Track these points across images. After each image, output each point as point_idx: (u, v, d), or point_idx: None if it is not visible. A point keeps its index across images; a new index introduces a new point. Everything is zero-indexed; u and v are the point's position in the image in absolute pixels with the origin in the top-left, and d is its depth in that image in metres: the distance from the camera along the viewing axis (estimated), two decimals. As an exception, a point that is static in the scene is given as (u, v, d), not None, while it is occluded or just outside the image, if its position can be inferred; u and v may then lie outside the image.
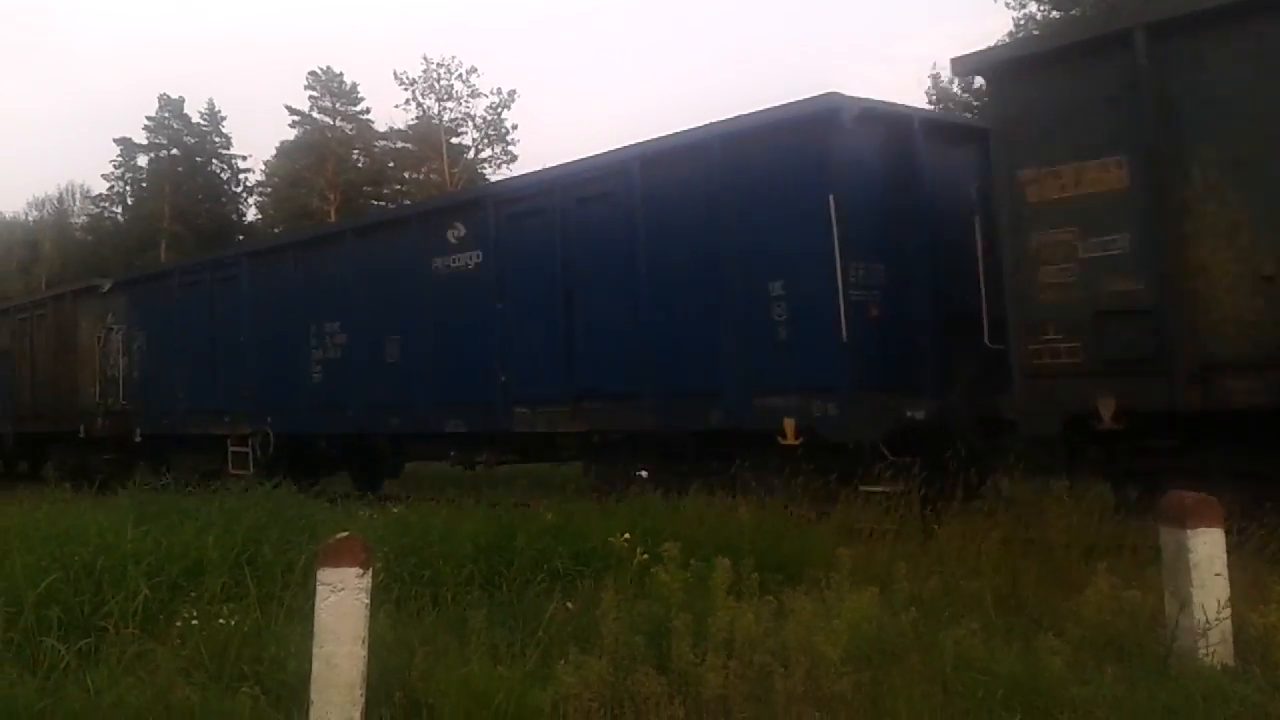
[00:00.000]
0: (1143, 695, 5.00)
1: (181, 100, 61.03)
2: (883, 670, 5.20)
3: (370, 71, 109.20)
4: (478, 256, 13.73)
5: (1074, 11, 32.27)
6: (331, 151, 56.99)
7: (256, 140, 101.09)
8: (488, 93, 58.42)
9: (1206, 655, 5.37)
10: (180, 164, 60.48)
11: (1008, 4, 37.72)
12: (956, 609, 6.12)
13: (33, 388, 23.87)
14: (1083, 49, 8.77)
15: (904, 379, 10.17)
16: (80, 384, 21.96)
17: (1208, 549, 5.56)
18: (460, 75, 57.76)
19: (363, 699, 4.64)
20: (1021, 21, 38.70)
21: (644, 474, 11.47)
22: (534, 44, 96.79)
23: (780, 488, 9.71)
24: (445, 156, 56.32)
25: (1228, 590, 5.51)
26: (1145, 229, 8.08)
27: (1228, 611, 5.48)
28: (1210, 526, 5.62)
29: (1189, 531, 5.57)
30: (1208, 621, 5.40)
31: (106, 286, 22.23)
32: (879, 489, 9.28)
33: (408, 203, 45.85)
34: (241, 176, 63.19)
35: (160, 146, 61.34)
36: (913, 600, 6.21)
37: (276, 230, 47.68)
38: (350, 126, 59.78)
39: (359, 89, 59.93)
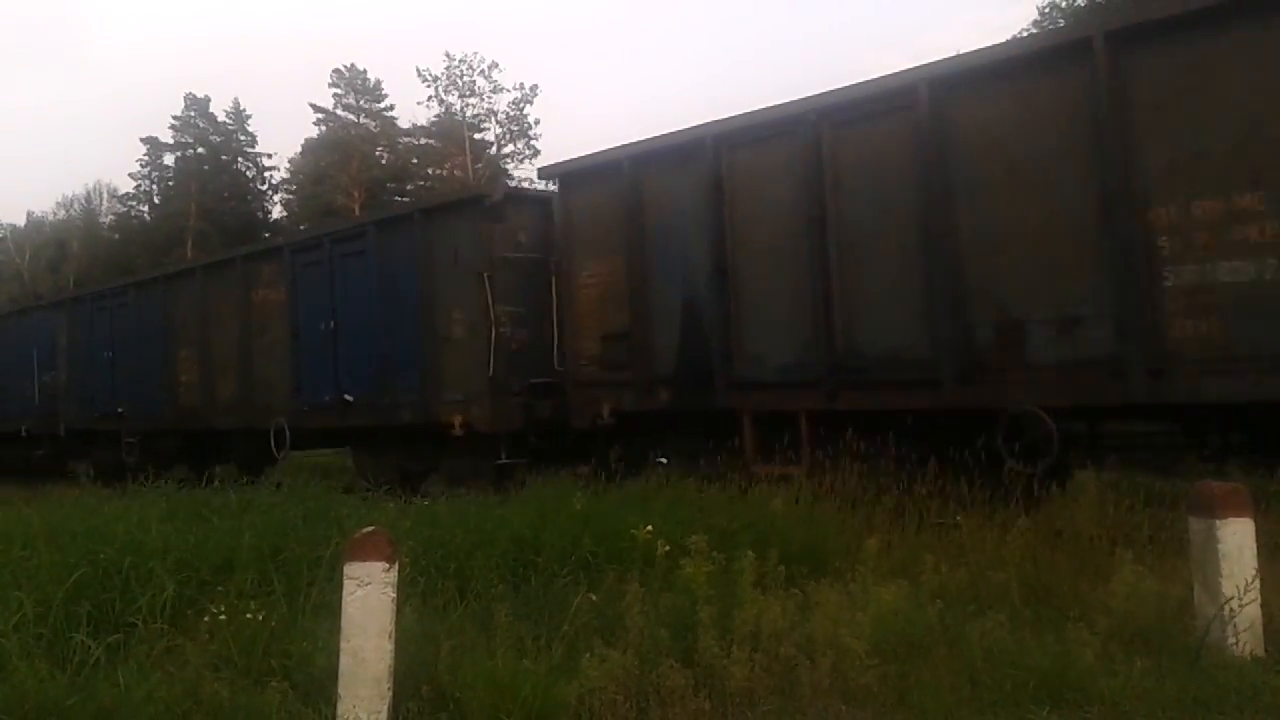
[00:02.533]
0: (1172, 687, 4.97)
1: (207, 99, 61.46)
2: (909, 663, 5.19)
3: (393, 68, 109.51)
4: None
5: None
6: (355, 149, 57.21)
7: (281, 138, 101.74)
8: (510, 88, 58.60)
9: (1236, 646, 5.33)
10: (206, 162, 60.85)
11: (1032, -8, 37.56)
12: (983, 600, 6.09)
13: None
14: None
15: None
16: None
17: (1237, 539, 5.51)
18: (482, 71, 57.99)
19: (390, 692, 4.67)
20: (1045, 9, 38.48)
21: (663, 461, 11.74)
22: (556, 37, 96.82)
23: None
24: (468, 152, 56.44)
25: (1258, 580, 5.46)
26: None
27: (1258, 602, 5.44)
28: (1240, 516, 5.57)
29: (1218, 521, 5.52)
30: (1236, 612, 5.35)
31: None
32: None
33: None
34: (267, 174, 63.63)
35: (186, 145, 61.70)
36: (939, 592, 6.18)
37: (303, 226, 47.73)
38: (374, 123, 60.01)
39: (382, 86, 60.27)
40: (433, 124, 59.14)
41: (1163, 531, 7.16)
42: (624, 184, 11.77)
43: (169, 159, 62.49)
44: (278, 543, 6.62)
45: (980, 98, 8.92)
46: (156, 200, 63.02)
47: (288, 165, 62.81)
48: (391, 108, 60.48)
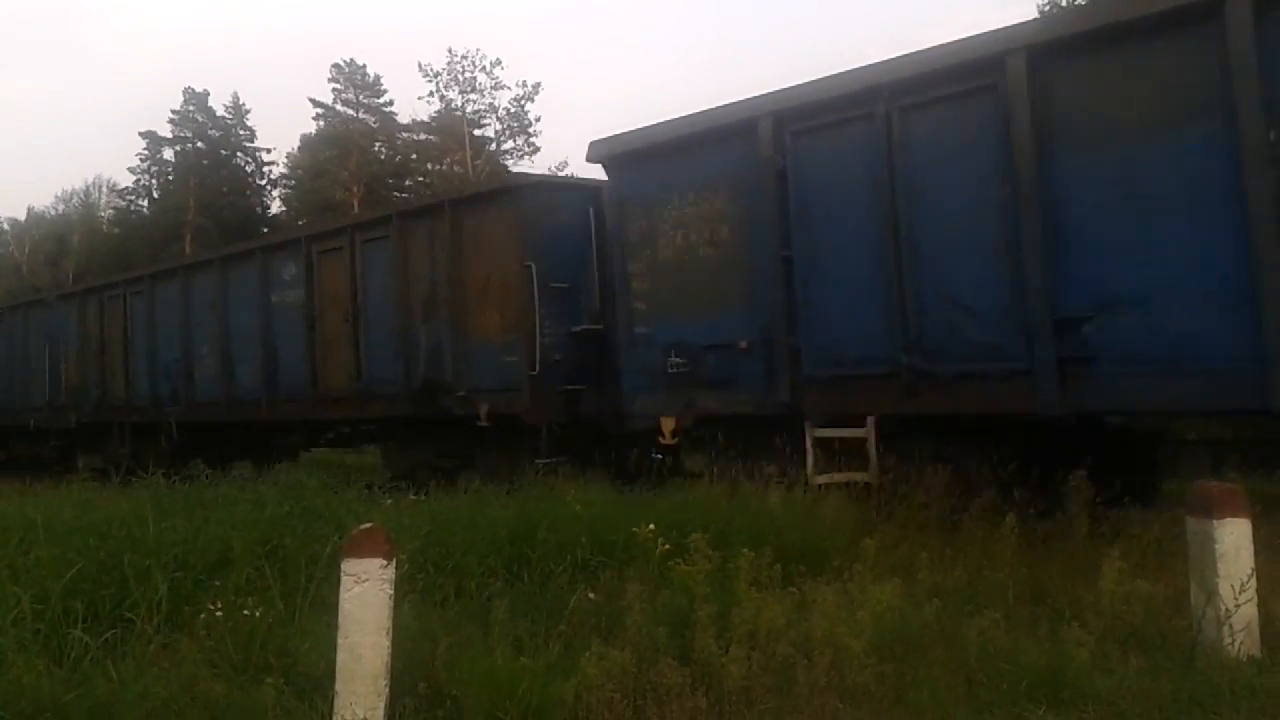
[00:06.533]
0: (1168, 687, 4.97)
1: (206, 94, 61.25)
2: (906, 662, 5.19)
3: (394, 64, 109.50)
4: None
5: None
6: (354, 144, 57.05)
7: (280, 133, 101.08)
8: (511, 85, 58.48)
9: (1232, 646, 5.33)
10: (205, 157, 60.68)
11: (1032, -11, 37.47)
12: (980, 600, 6.09)
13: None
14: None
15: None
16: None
17: (1234, 539, 5.52)
18: (484, 67, 57.83)
19: (387, 689, 4.67)
20: (1044, 7, 38.38)
21: None
22: (559, 34, 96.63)
23: None
24: (468, 148, 56.36)
25: (1255, 581, 5.47)
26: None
27: (1254, 602, 5.44)
28: (1237, 517, 5.57)
29: (1215, 522, 5.53)
30: (1233, 612, 5.36)
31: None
32: None
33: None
34: (266, 169, 63.41)
35: (185, 140, 61.54)
36: (936, 591, 6.18)
37: (301, 221, 47.49)
38: (373, 119, 59.83)
39: (382, 81, 60.02)
40: (433, 120, 59.03)
41: (1149, 531, 7.13)
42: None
43: (168, 153, 62.30)
44: (275, 539, 6.61)
45: (480, 215, 13.37)
46: (155, 195, 62.84)
47: (286, 160, 62.74)
48: (391, 103, 60.38)
